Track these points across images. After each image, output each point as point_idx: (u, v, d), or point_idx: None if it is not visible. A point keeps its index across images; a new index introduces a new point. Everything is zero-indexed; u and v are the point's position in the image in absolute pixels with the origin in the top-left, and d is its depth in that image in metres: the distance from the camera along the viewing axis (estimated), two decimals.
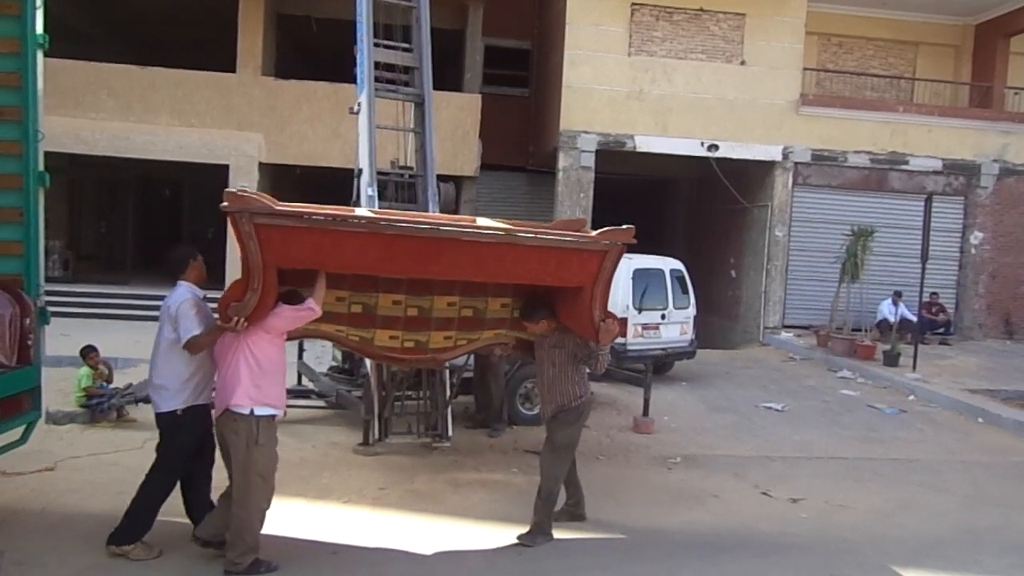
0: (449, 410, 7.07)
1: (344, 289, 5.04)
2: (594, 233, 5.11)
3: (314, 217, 4.48)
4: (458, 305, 5.35)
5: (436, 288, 5.22)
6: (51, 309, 5.29)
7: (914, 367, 12.00)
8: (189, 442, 4.60)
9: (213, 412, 4.53)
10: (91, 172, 16.07)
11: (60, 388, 7.67)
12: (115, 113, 14.01)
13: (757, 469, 7.16)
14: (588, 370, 5.29)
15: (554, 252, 4.88)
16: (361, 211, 5.46)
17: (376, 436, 6.80)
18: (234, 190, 4.39)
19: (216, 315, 4.47)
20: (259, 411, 4.32)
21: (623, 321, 5.29)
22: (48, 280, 5.53)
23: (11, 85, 4.88)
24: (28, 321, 4.84)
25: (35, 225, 4.94)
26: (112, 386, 7.64)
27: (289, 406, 7.59)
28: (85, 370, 7.53)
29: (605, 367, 5.25)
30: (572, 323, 5.19)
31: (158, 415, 4.58)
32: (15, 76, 4.87)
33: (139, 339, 11.34)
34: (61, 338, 9.50)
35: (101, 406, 7.32)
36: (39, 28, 4.94)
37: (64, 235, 15.78)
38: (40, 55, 4.95)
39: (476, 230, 5.00)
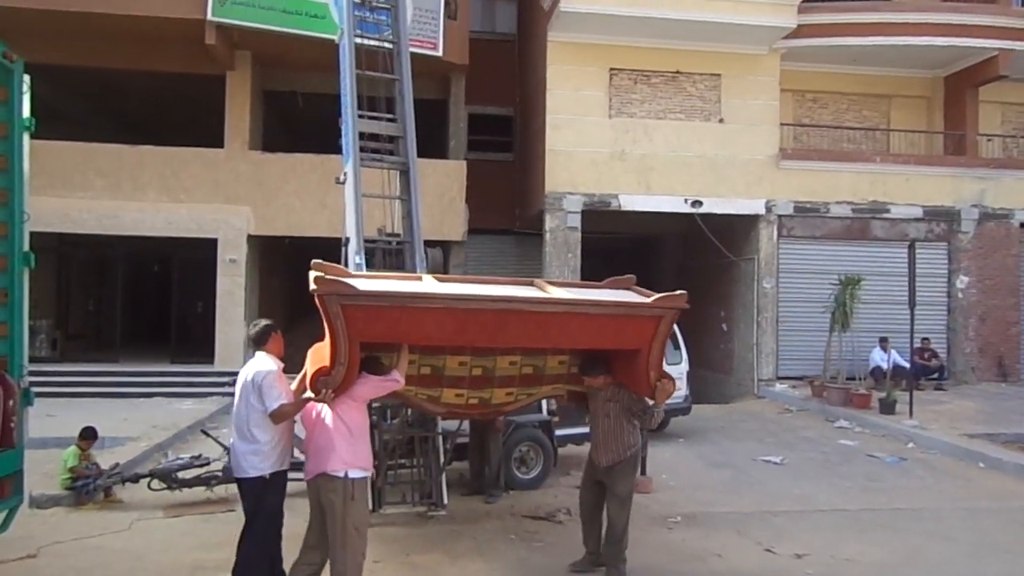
0: (444, 477, 6.95)
1: (414, 353, 5.30)
2: (651, 299, 5.47)
3: (394, 296, 4.92)
4: (519, 364, 5.66)
5: (499, 350, 5.53)
6: (38, 389, 5.24)
7: (911, 414, 11.93)
8: (278, 504, 4.82)
9: (302, 475, 4.78)
10: (80, 251, 16.10)
11: (45, 471, 7.51)
12: (104, 192, 14.13)
13: (759, 525, 7.03)
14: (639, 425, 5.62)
15: (614, 319, 5.23)
16: (428, 280, 5.70)
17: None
18: (321, 273, 4.80)
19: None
20: (353, 474, 4.61)
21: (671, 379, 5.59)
22: (35, 360, 5.50)
23: None
24: (11, 403, 4.78)
25: (19, 306, 4.93)
26: (99, 466, 7.47)
27: None
28: (72, 450, 7.39)
29: (658, 423, 5.71)
30: (628, 381, 5.50)
31: (245, 481, 4.72)
32: (1, 159, 4.93)
33: (127, 416, 11.23)
34: (47, 419, 9.39)
35: (87, 487, 7.16)
36: (26, 112, 5.02)
37: (52, 314, 15.69)
38: (27, 138, 5.02)
39: (543, 302, 5.27)
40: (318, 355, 4.80)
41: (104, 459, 7.87)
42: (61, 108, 15.68)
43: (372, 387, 4.83)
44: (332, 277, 4.71)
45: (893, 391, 12.69)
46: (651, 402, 5.42)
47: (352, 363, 4.59)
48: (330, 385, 4.57)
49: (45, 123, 5.28)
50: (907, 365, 13.81)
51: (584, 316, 5.16)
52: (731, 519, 7.21)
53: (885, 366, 14.22)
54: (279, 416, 4.63)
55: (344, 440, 4.61)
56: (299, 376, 5.01)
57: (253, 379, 4.68)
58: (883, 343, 14.59)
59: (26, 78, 5.04)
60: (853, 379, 13.84)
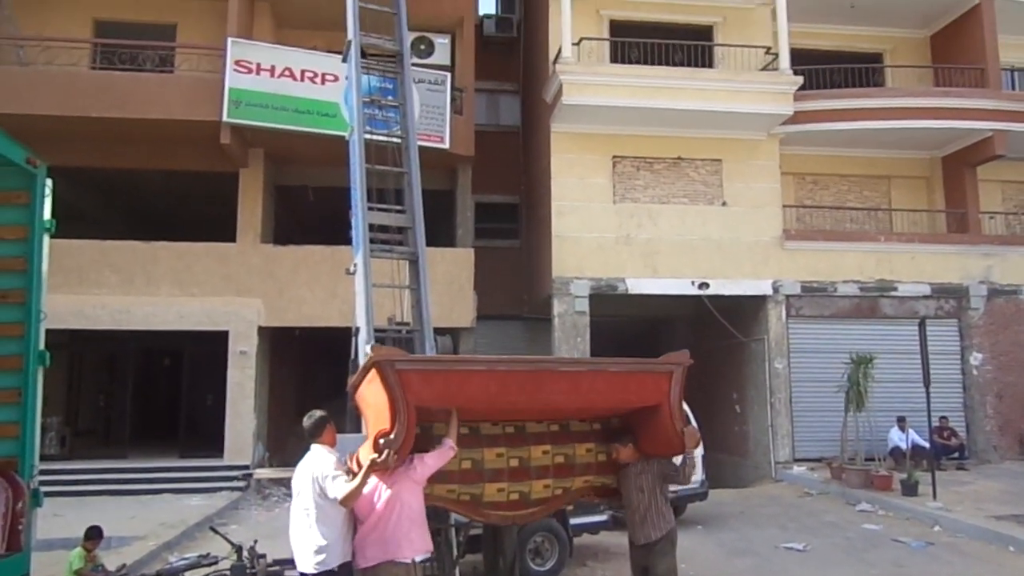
0: (457, 571, 6.75)
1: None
2: (659, 359, 6.01)
3: (442, 361, 5.57)
4: (551, 453, 5.81)
5: (531, 439, 5.75)
6: (46, 488, 5.20)
7: (934, 495, 11.62)
8: None
9: (364, 561, 4.76)
10: (92, 346, 16.20)
11: (50, 573, 7.34)
12: (117, 287, 14.33)
13: None
14: (675, 486, 6.02)
15: (633, 375, 5.75)
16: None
17: None
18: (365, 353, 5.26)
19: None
20: (419, 557, 4.83)
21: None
22: (44, 458, 5.48)
23: (16, 269, 5.05)
24: (20, 505, 4.74)
25: (32, 405, 4.96)
26: (105, 567, 7.30)
27: None
28: (77, 551, 7.22)
29: (692, 476, 5.84)
30: (656, 444, 5.78)
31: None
32: (21, 260, 5.06)
33: (135, 515, 11.06)
34: (54, 519, 9.25)
35: None
36: (47, 214, 5.17)
37: (62, 411, 15.65)
38: (47, 239, 5.16)
39: (571, 362, 6.37)
40: (367, 450, 4.89)
41: (110, 560, 7.70)
42: (77, 206, 16.07)
43: (433, 461, 4.93)
44: (387, 348, 5.13)
45: (914, 472, 12.41)
46: (681, 456, 5.71)
47: (410, 425, 4.72)
48: (391, 445, 4.64)
49: (62, 222, 5.43)
50: (927, 445, 13.54)
51: (608, 373, 5.71)
52: None
53: (904, 446, 13.96)
54: (349, 498, 4.65)
55: (416, 526, 4.81)
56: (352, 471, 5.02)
57: (313, 474, 4.77)
58: (901, 423, 14.35)
59: (48, 182, 5.22)
60: (872, 460, 13.55)
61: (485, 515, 5.76)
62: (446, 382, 5.10)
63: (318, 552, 4.72)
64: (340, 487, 4.67)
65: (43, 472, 5.28)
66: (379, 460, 4.64)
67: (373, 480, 4.78)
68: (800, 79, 15.46)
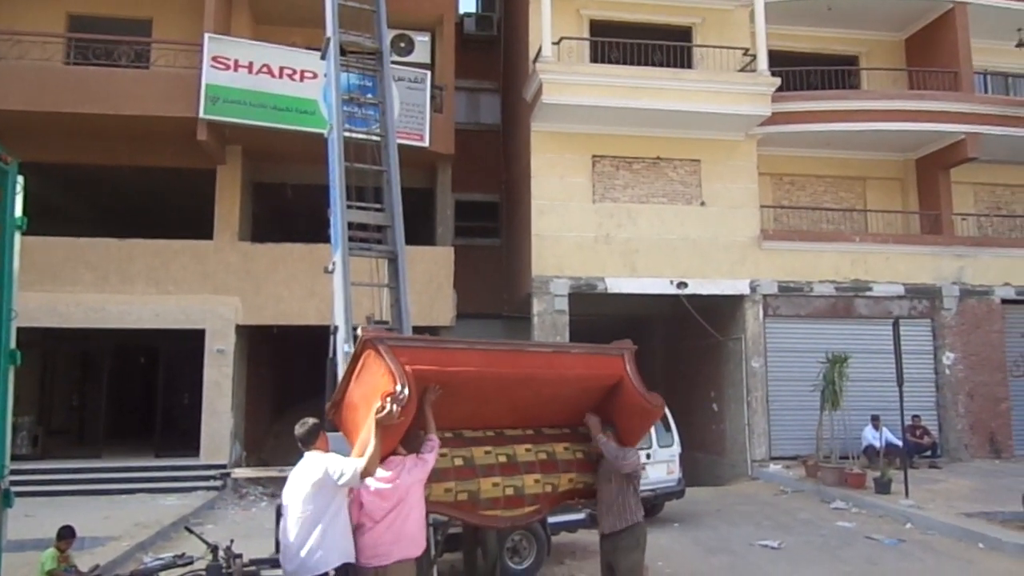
0: (435, 569, 6.74)
1: (444, 447, 5.45)
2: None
3: (428, 340, 5.84)
4: (533, 450, 6.02)
5: (512, 440, 6.00)
6: (18, 488, 5.13)
7: (907, 493, 11.79)
8: None
9: (377, 560, 4.78)
10: (64, 344, 15.97)
11: (23, 575, 7.25)
12: (92, 285, 14.14)
13: None
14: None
15: (592, 356, 6.37)
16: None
17: None
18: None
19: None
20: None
21: None
22: (16, 458, 5.40)
23: None
24: None
25: (3, 405, 4.88)
26: (78, 568, 7.22)
27: None
28: (50, 552, 7.14)
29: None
30: (632, 418, 6.14)
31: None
32: None
33: (108, 515, 10.94)
34: (25, 520, 9.13)
35: None
36: (18, 212, 5.10)
37: (34, 410, 15.42)
38: (17, 237, 5.08)
39: (542, 344, 7.75)
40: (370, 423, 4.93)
41: (84, 561, 7.62)
42: (50, 203, 15.83)
43: (429, 454, 5.01)
44: (375, 328, 5.57)
45: (888, 470, 12.58)
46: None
47: (412, 385, 4.78)
48: (398, 401, 4.68)
49: (34, 219, 5.35)
50: (900, 443, 13.73)
51: (571, 354, 6.60)
52: None
53: (878, 444, 14.15)
54: (371, 464, 4.66)
55: (423, 524, 5.04)
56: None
57: (328, 469, 4.70)
58: (875, 421, 14.54)
59: (20, 178, 5.14)
60: (846, 458, 13.72)
61: (484, 517, 5.76)
62: (435, 355, 5.38)
63: (322, 552, 4.67)
64: (358, 461, 4.69)
65: (15, 472, 5.20)
66: (383, 414, 4.63)
67: (385, 480, 4.84)
68: (778, 80, 15.60)
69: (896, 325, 12.58)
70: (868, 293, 16.37)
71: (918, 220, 17.60)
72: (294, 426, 5.16)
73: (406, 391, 4.71)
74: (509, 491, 5.80)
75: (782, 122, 16.07)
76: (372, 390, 4.92)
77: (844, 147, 17.29)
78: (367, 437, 4.77)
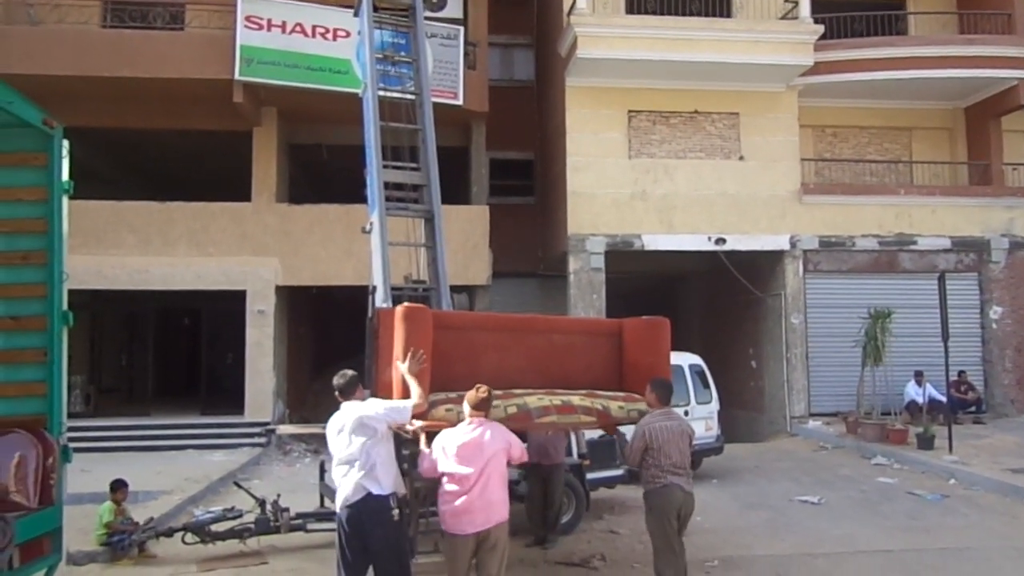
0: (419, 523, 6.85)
1: (450, 400, 5.37)
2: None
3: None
4: (547, 398, 5.74)
5: (566, 393, 5.79)
6: (73, 445, 5.31)
7: (950, 449, 11.65)
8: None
9: (472, 527, 4.84)
10: (112, 306, 16.39)
11: (81, 527, 7.53)
12: (135, 248, 14.43)
13: (800, 568, 6.86)
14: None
15: (590, 320, 6.99)
16: None
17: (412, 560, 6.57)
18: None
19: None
20: None
21: None
22: (70, 416, 5.58)
23: (36, 230, 5.09)
24: (50, 461, 4.85)
25: (59, 364, 5.03)
26: (133, 520, 7.51)
27: (312, 529, 7.48)
28: (107, 505, 7.44)
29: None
30: (651, 360, 6.15)
31: (391, 496, 4.96)
32: (41, 222, 5.09)
33: (161, 469, 11.31)
34: (81, 474, 9.46)
35: (122, 543, 7.18)
36: (65, 175, 5.19)
37: (85, 370, 15.92)
38: (65, 200, 5.18)
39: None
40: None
41: (138, 513, 7.90)
42: (93, 167, 16.12)
43: (404, 412, 5.08)
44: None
45: (930, 426, 12.43)
46: None
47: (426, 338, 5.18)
48: (418, 357, 5.06)
49: (78, 183, 5.45)
50: (943, 399, 13.54)
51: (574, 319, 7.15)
52: (771, 562, 7.04)
53: (921, 400, 13.97)
54: (420, 408, 4.97)
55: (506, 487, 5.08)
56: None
57: (364, 416, 4.93)
58: (918, 377, 14.33)
59: (65, 143, 5.22)
60: (888, 414, 13.58)
61: (540, 425, 5.67)
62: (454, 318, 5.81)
63: (379, 474, 4.90)
64: (405, 402, 4.98)
65: (70, 429, 5.38)
66: (408, 362, 5.02)
67: (472, 446, 4.89)
68: (821, 28, 15.08)
69: (942, 279, 12.31)
70: (913, 247, 15.99)
71: (966, 171, 17.05)
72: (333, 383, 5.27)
73: (421, 352, 5.08)
74: (558, 402, 5.69)
75: (825, 72, 15.57)
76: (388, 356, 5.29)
77: (890, 96, 16.71)
78: (403, 387, 5.11)
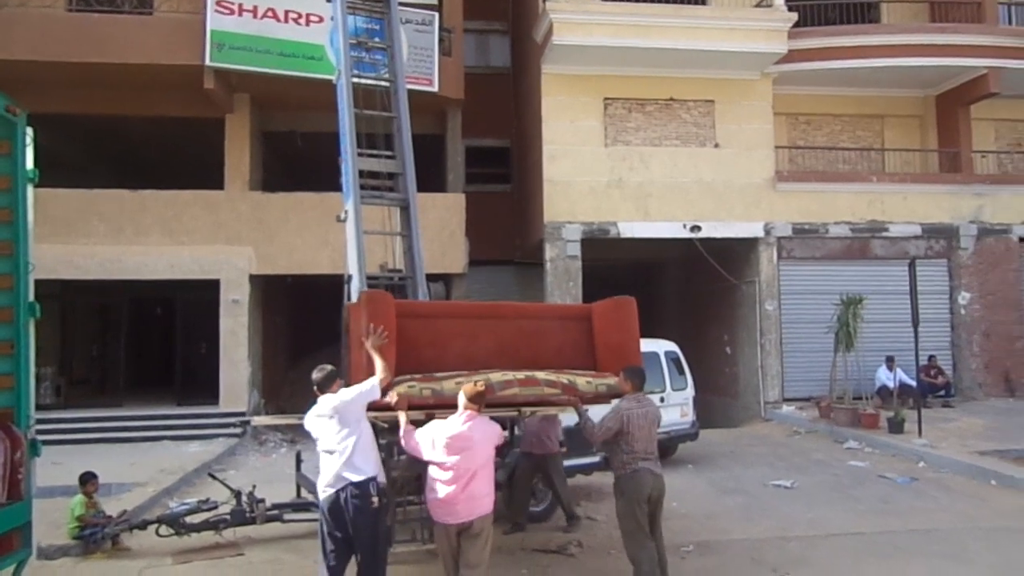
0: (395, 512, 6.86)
1: (414, 381, 5.47)
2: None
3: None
4: (511, 373, 5.72)
5: (492, 366, 5.79)
6: (43, 437, 5.22)
7: (920, 432, 11.86)
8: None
9: (454, 518, 4.94)
10: (83, 296, 16.10)
11: (52, 520, 7.44)
12: (106, 237, 14.18)
13: (774, 552, 6.95)
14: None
15: (559, 305, 7.02)
16: None
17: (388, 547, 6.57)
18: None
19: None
20: None
21: None
22: (39, 408, 5.50)
23: (1, 220, 4.97)
24: (19, 455, 4.77)
25: (25, 356, 4.93)
26: (106, 513, 7.42)
27: (289, 520, 7.44)
28: (79, 498, 7.34)
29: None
30: (620, 339, 6.21)
31: (371, 481, 5.06)
32: (6, 211, 4.97)
33: (135, 461, 11.19)
34: (53, 467, 9.34)
35: (95, 536, 7.09)
36: (29, 164, 5.07)
37: (56, 361, 15.67)
38: (30, 189, 5.06)
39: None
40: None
41: (111, 506, 7.82)
42: (62, 155, 15.80)
43: (372, 388, 5.18)
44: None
45: (901, 410, 12.64)
46: None
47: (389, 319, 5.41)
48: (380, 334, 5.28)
49: (47, 171, 5.33)
50: (913, 383, 13.76)
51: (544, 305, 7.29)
52: (746, 546, 7.14)
53: (891, 385, 14.19)
54: (385, 380, 5.14)
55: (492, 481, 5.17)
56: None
57: (337, 410, 5.06)
58: (889, 362, 14.56)
59: (29, 130, 5.10)
60: (860, 399, 13.78)
61: (503, 397, 5.56)
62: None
63: (359, 459, 5.01)
64: (371, 380, 5.13)
65: (40, 421, 5.30)
66: (370, 339, 5.23)
67: (462, 439, 4.95)
68: (794, 16, 15.15)
69: (912, 265, 12.49)
70: (884, 234, 16.20)
71: (937, 158, 17.27)
72: (310, 373, 5.30)
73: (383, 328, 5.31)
74: (521, 376, 5.69)
75: (799, 59, 15.66)
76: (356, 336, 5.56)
77: (863, 84, 16.87)
78: (368, 363, 5.29)
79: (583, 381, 5.84)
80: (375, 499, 5.01)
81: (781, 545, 7.17)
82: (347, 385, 5.41)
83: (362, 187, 7.88)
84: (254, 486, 7.74)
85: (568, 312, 7.54)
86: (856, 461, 11.11)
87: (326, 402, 5.16)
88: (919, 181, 16.51)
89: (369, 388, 5.10)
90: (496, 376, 5.51)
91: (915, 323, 12.28)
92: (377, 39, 8.73)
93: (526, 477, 7.82)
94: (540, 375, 5.68)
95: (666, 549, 6.95)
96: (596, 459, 8.83)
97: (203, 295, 14.51)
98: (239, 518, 7.34)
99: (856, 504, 8.73)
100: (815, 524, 7.91)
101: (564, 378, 5.77)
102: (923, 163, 17.36)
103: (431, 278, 8.42)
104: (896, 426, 12.31)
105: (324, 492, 5.08)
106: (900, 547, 7.06)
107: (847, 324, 13.55)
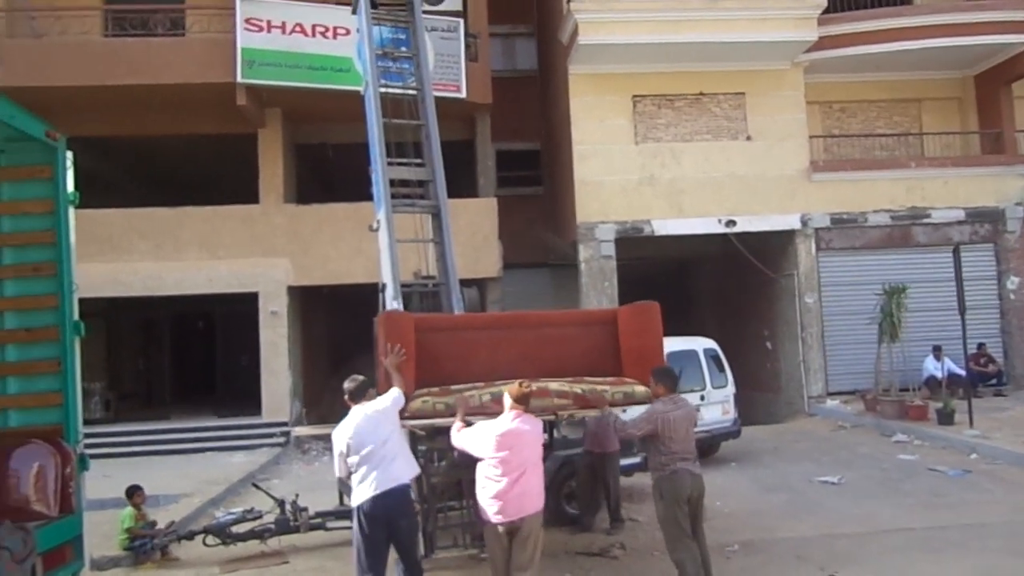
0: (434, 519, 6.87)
1: (431, 394, 5.64)
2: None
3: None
4: (567, 383, 5.85)
5: (515, 375, 5.70)
6: (93, 451, 5.38)
7: (971, 423, 11.54)
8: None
9: (505, 516, 4.96)
10: (128, 313, 16.53)
11: (104, 532, 7.61)
12: (148, 254, 14.52)
13: (821, 550, 6.81)
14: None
15: (583, 311, 6.91)
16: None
17: (422, 552, 6.61)
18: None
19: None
20: None
21: None
22: (90, 422, 5.65)
23: (45, 241, 5.12)
24: (68, 470, 4.89)
25: (72, 374, 5.06)
26: (155, 525, 7.58)
27: (332, 528, 7.52)
28: (128, 511, 7.51)
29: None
30: (643, 343, 6.22)
31: (409, 487, 5.31)
32: (49, 233, 5.11)
33: (184, 472, 11.41)
34: (103, 480, 9.55)
35: (144, 547, 7.25)
36: (70, 187, 5.21)
37: (104, 376, 16.09)
38: (72, 211, 5.20)
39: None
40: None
41: (159, 517, 7.99)
42: (104, 176, 16.22)
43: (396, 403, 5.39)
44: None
45: (951, 401, 12.31)
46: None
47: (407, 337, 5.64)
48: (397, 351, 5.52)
49: (89, 192, 5.49)
50: (963, 373, 13.39)
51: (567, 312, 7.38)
52: (791, 544, 7.01)
53: (940, 375, 13.83)
54: (402, 384, 5.43)
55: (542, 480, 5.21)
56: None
57: (376, 413, 5.24)
58: (936, 352, 14.19)
59: (69, 154, 5.24)
60: (907, 390, 13.46)
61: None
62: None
63: (399, 463, 5.20)
64: (394, 390, 5.37)
65: (90, 436, 5.46)
66: (388, 357, 5.46)
67: (512, 435, 5.02)
68: (824, 2, 14.89)
69: (956, 251, 12.17)
70: (926, 220, 15.82)
71: (978, 140, 16.82)
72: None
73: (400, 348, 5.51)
74: (533, 387, 5.57)
75: (830, 46, 15.39)
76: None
77: (897, 68, 16.48)
78: (387, 379, 5.51)
79: (599, 389, 5.86)
80: (415, 504, 5.13)
81: (828, 543, 7.02)
82: (378, 394, 5.51)
83: (393, 195, 7.94)
84: (297, 495, 7.84)
85: (592, 318, 7.59)
86: (905, 454, 10.86)
87: (361, 411, 5.25)
88: (961, 165, 16.09)
89: (397, 396, 5.35)
90: (508, 388, 5.48)
91: (962, 311, 11.96)
92: (403, 48, 8.81)
93: (587, 476, 7.87)
94: (553, 386, 5.72)
95: (710, 549, 6.88)
96: (636, 460, 8.77)
97: (242, 308, 14.77)
98: (283, 527, 7.45)
99: (905, 499, 8.52)
100: (863, 520, 7.73)
101: (578, 388, 5.79)
102: (964, 146, 16.91)
103: (465, 283, 8.44)
104: (946, 417, 12.00)
105: (363, 499, 5.12)
106: (952, 542, 6.86)
107: (891, 314, 13.27)
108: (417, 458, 6.48)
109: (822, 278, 15.67)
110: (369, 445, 5.14)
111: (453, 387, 5.71)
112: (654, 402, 5.70)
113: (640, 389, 5.93)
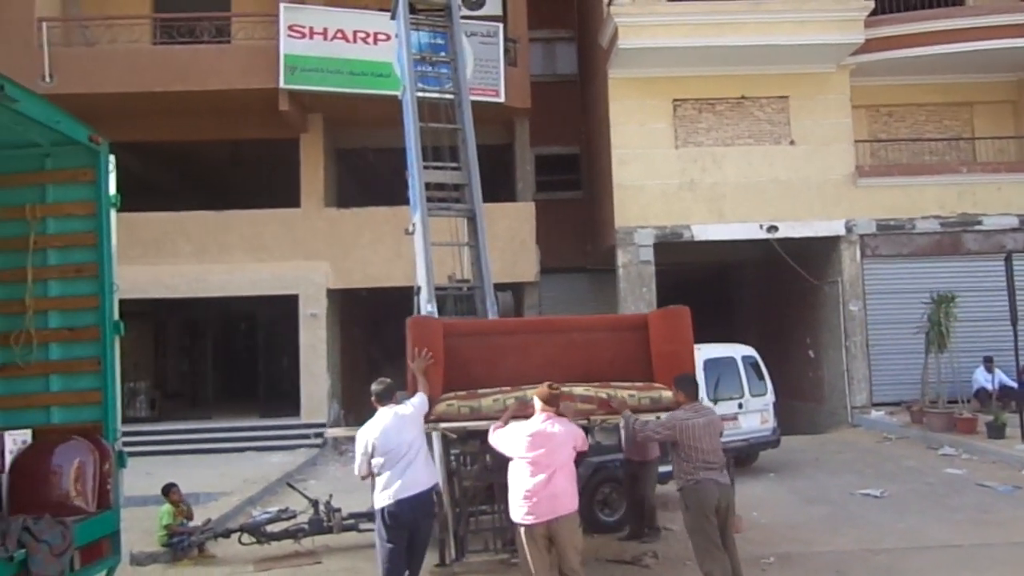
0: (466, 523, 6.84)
1: (456, 398, 5.77)
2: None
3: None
4: (592, 388, 5.90)
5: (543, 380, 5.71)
6: (139, 449, 5.52)
7: (1023, 437, 11.14)
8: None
9: (536, 517, 4.98)
10: (173, 314, 16.92)
11: (145, 528, 7.78)
12: (192, 256, 14.84)
13: (860, 565, 6.63)
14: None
15: (613, 316, 6.92)
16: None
17: (453, 555, 6.62)
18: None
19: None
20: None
21: None
22: (136, 420, 5.78)
23: (87, 243, 5.26)
24: (107, 466, 5.00)
25: (112, 373, 5.18)
26: (192, 523, 7.72)
27: (365, 529, 7.57)
28: (166, 508, 7.65)
29: None
30: (673, 348, 6.18)
31: (432, 491, 5.45)
32: (91, 235, 5.25)
33: (224, 471, 11.61)
34: (146, 477, 9.77)
35: (182, 544, 7.38)
36: (112, 190, 5.34)
37: (151, 375, 16.47)
38: (113, 214, 5.33)
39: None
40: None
41: (198, 514, 8.12)
42: (150, 180, 16.62)
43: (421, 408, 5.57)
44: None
45: (1002, 413, 11.91)
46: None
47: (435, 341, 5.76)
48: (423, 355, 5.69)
49: (136, 195, 5.64)
50: (1015, 385, 12.93)
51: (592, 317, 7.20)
52: (830, 559, 6.83)
53: (990, 387, 13.39)
54: (426, 385, 5.62)
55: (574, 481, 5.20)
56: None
57: (404, 416, 5.37)
58: (987, 363, 13.74)
59: (111, 158, 5.38)
60: (955, 402, 13.05)
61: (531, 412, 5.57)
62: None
63: (426, 469, 5.39)
64: (420, 394, 5.54)
65: (136, 434, 5.63)
66: (415, 361, 5.64)
67: (543, 436, 5.06)
68: (871, 3, 14.56)
69: (1009, 259, 11.79)
70: (977, 227, 15.34)
71: None
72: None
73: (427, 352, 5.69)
74: (510, 401, 5.69)
75: (877, 49, 15.04)
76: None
77: (947, 71, 16.01)
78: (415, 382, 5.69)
79: (626, 394, 5.87)
80: (437, 508, 5.26)
81: (868, 558, 6.83)
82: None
83: (429, 199, 7.98)
84: (331, 496, 7.91)
85: (622, 323, 7.61)
86: (952, 468, 10.52)
87: (388, 413, 5.33)
88: (1015, 170, 15.57)
89: (422, 400, 5.50)
90: (531, 392, 5.52)
91: (1014, 321, 11.56)
92: (442, 53, 8.85)
93: (630, 484, 7.82)
94: (578, 390, 5.72)
95: (746, 561, 6.74)
96: (669, 468, 8.64)
97: (283, 310, 15.00)
98: (316, 527, 7.52)
99: (952, 514, 8.25)
100: (906, 535, 7.50)
101: (603, 393, 5.81)
102: (1019, 151, 16.37)
103: (501, 287, 8.44)
104: (996, 431, 11.61)
105: (387, 500, 5.19)
106: (999, 560, 6.62)
107: (939, 324, 12.89)
108: (449, 461, 6.52)
109: (867, 285, 15.31)
110: (394, 447, 5.23)
111: (480, 391, 5.76)
112: (675, 410, 5.66)
113: (668, 395, 5.91)
